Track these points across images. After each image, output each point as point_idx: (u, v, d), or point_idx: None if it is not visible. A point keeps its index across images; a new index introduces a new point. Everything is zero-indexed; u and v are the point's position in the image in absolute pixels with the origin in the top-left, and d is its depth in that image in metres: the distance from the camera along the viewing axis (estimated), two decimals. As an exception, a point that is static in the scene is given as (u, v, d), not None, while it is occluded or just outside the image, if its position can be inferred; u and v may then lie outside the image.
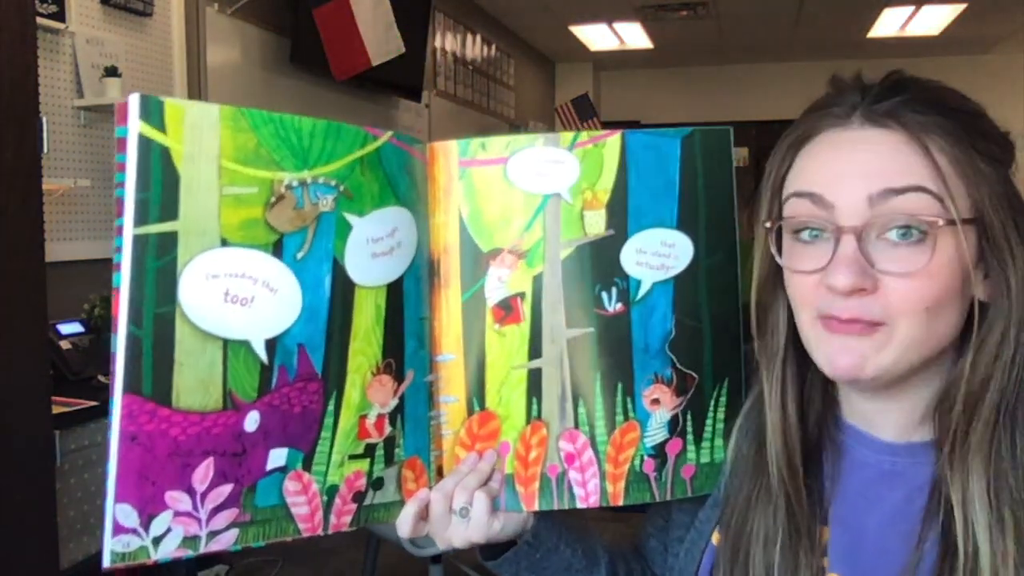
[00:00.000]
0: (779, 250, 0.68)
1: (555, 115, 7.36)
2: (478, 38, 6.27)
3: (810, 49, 7.56)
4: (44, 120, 1.98)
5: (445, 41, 5.68)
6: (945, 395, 0.64)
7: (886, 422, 0.68)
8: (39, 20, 2.21)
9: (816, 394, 0.71)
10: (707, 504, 0.78)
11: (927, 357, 0.63)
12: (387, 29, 3.92)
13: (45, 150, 2.34)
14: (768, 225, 0.69)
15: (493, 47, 6.60)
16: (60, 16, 2.68)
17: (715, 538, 0.75)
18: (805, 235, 0.65)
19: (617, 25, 6.79)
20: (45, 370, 1.73)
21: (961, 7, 6.14)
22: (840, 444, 0.71)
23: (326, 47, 3.69)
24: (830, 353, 0.63)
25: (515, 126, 7.08)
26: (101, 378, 2.53)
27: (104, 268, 2.82)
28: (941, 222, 0.59)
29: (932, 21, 6.58)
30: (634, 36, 7.14)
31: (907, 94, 0.63)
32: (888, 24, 6.68)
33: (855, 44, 7.32)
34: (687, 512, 0.81)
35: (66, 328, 2.61)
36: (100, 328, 2.66)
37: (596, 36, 7.20)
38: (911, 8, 6.21)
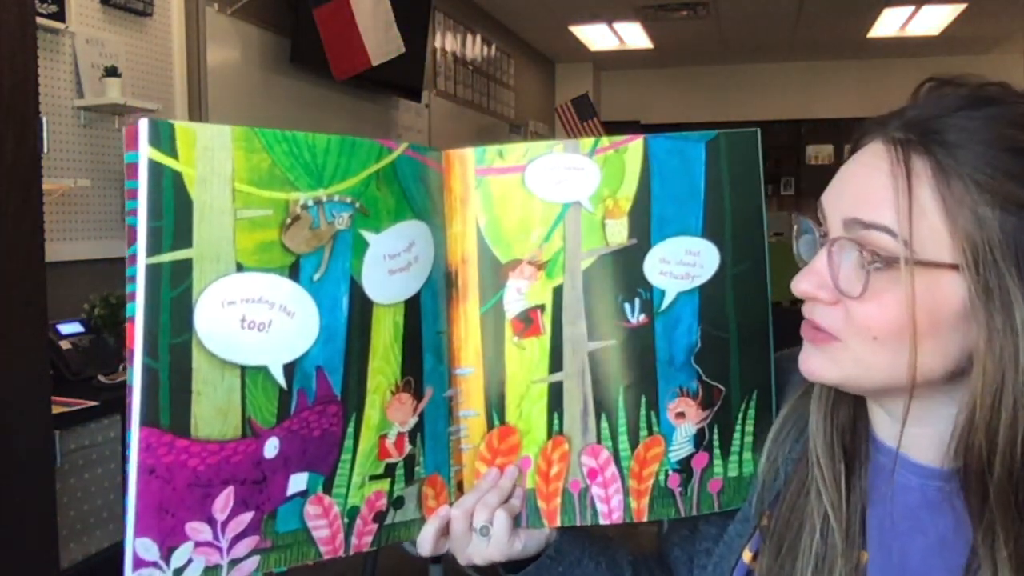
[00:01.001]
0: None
1: (555, 115, 7.36)
2: (478, 38, 6.27)
3: (810, 49, 7.56)
4: (44, 120, 1.98)
5: (445, 41, 5.68)
6: (964, 442, 0.62)
7: (917, 443, 0.66)
8: (39, 20, 2.20)
9: (847, 405, 0.70)
10: (737, 518, 0.77)
11: (906, 383, 0.61)
12: (387, 29, 3.92)
13: (45, 150, 2.34)
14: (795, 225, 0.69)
15: (493, 47, 6.60)
16: (60, 16, 2.68)
17: (746, 556, 0.73)
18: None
19: (617, 25, 6.79)
20: (45, 370, 1.73)
21: (961, 7, 6.14)
22: (879, 465, 0.68)
23: (326, 47, 3.69)
24: (800, 355, 0.67)
25: (515, 126, 7.08)
26: (101, 378, 2.53)
27: (104, 268, 2.83)
28: (902, 261, 0.58)
29: (932, 21, 6.58)
30: (634, 36, 7.14)
31: (964, 113, 0.60)
32: (888, 24, 6.68)
33: (855, 44, 7.32)
34: (715, 524, 0.79)
35: (66, 328, 2.62)
36: (100, 328, 2.66)
37: (596, 36, 7.20)
38: (911, 8, 6.22)
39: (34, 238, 1.63)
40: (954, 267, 0.58)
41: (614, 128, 7.73)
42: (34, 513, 1.67)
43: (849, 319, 0.62)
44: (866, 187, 0.61)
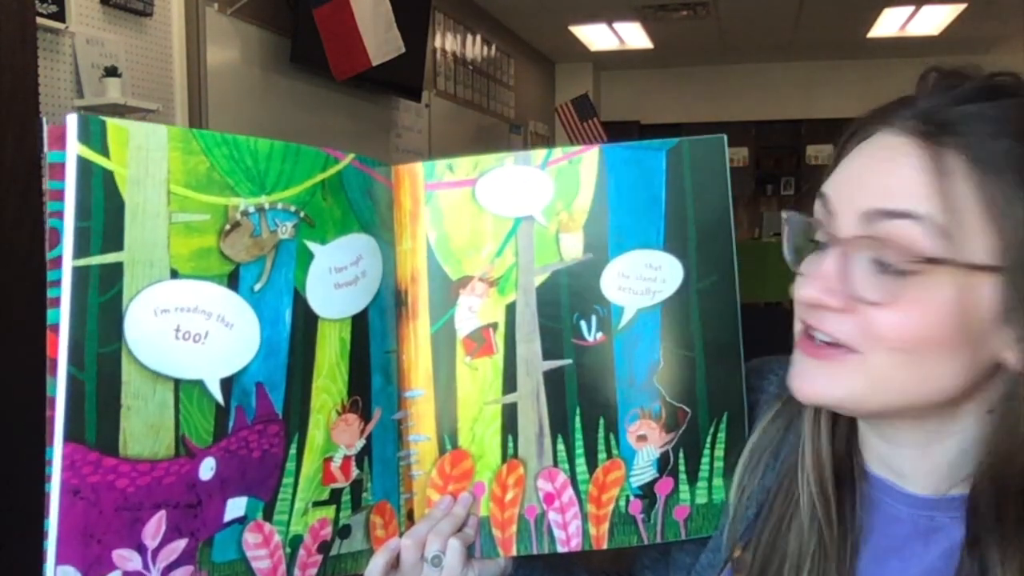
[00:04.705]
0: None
1: (555, 115, 7.35)
2: (478, 38, 6.27)
3: (810, 49, 7.55)
4: (44, 120, 1.98)
5: (445, 41, 5.68)
6: (977, 463, 0.57)
7: (912, 470, 0.61)
8: (39, 20, 2.20)
9: (843, 433, 0.65)
10: (708, 547, 0.73)
11: (918, 403, 0.56)
12: (387, 29, 3.91)
13: (45, 150, 2.34)
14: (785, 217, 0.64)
15: (493, 47, 6.59)
16: (60, 16, 2.68)
17: None
18: (819, 237, 0.60)
19: (617, 25, 6.78)
20: (45, 371, 1.73)
21: (961, 7, 6.13)
22: (867, 496, 0.64)
23: (326, 47, 3.68)
24: (794, 374, 0.60)
25: (515, 126, 7.07)
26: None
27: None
28: (936, 259, 0.52)
29: (932, 21, 6.57)
30: (634, 36, 7.13)
31: (984, 104, 0.54)
32: (888, 24, 6.67)
33: (855, 44, 7.31)
34: (689, 553, 0.75)
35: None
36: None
37: (596, 36, 7.19)
38: (911, 8, 6.20)
39: (34, 238, 1.63)
40: (994, 269, 0.52)
41: (614, 128, 7.72)
42: (33, 514, 1.67)
43: (868, 328, 0.55)
44: (891, 178, 0.55)
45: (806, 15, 6.40)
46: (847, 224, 0.56)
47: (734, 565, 0.69)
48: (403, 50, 3.98)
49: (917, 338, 0.54)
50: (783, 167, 8.65)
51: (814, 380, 0.59)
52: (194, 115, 3.26)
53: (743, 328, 0.74)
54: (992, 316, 0.53)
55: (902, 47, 7.25)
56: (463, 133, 6.01)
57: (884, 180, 0.55)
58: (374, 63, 3.85)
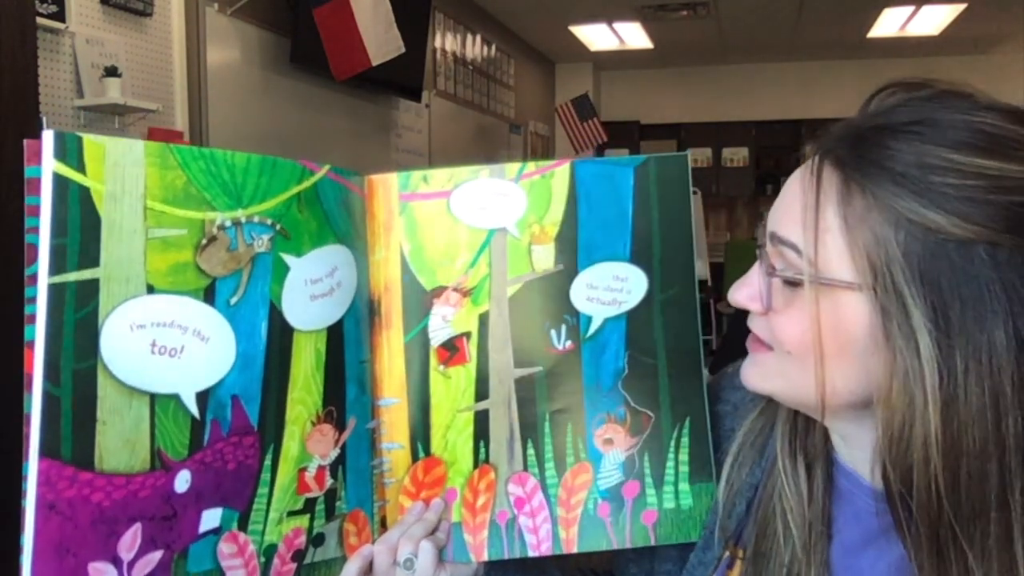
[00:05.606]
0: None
1: (555, 115, 7.36)
2: (478, 38, 6.27)
3: (810, 49, 7.55)
4: (44, 120, 1.98)
5: (445, 41, 5.68)
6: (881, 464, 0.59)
7: (868, 468, 0.63)
8: (39, 20, 2.20)
9: (813, 427, 0.68)
10: (697, 546, 0.75)
11: (834, 402, 0.59)
12: (387, 29, 3.91)
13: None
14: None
15: (493, 47, 6.59)
16: (60, 16, 2.68)
17: None
18: None
19: (617, 25, 6.78)
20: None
21: (961, 7, 6.13)
22: (841, 488, 0.67)
23: (326, 47, 3.68)
24: (743, 365, 0.66)
25: (515, 126, 7.08)
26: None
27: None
28: (805, 279, 0.57)
29: (932, 21, 6.57)
30: (634, 36, 7.13)
31: (880, 132, 0.57)
32: (888, 24, 6.67)
33: (855, 44, 7.32)
34: (675, 545, 0.77)
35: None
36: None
37: (596, 36, 7.19)
38: (911, 8, 6.20)
39: (34, 238, 1.63)
40: (855, 287, 0.56)
41: (614, 128, 7.73)
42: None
43: (771, 330, 0.61)
44: (786, 201, 0.61)
45: (806, 15, 6.40)
46: (767, 238, 0.62)
47: (728, 562, 0.70)
48: (403, 50, 3.99)
49: (801, 344, 0.59)
50: (783, 167, 8.63)
51: (750, 371, 0.65)
52: (194, 115, 3.27)
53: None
54: (868, 332, 0.56)
55: (902, 47, 7.25)
56: (463, 133, 6.01)
57: (782, 203, 0.61)
58: (374, 63, 3.85)
